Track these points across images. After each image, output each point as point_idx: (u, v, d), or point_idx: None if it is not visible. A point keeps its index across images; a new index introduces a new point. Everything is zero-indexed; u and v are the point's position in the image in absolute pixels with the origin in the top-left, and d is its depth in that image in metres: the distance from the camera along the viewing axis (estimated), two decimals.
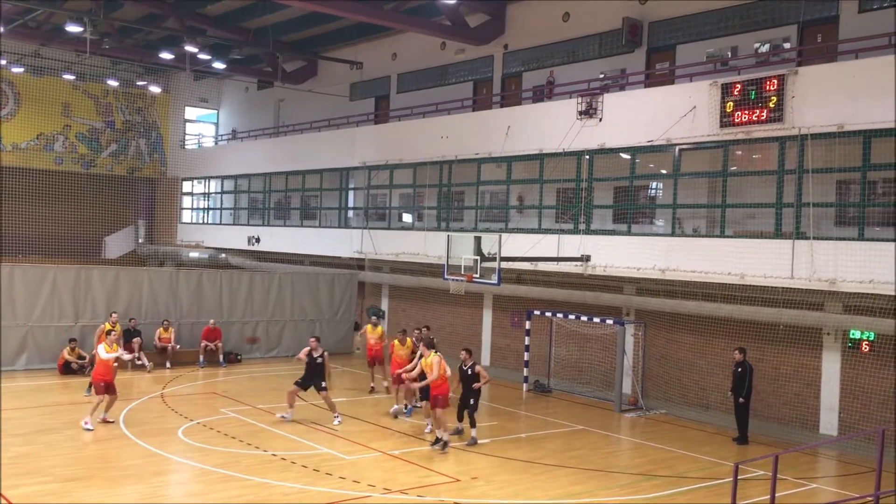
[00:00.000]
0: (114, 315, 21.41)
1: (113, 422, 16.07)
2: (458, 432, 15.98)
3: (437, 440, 15.22)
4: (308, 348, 17.29)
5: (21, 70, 36.04)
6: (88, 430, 15.38)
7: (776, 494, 10.98)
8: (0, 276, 21.27)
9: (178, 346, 23.46)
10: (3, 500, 11.22)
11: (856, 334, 17.11)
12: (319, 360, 17.21)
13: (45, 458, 13.63)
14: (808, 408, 17.88)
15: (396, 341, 18.97)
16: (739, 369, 17.07)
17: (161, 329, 23.13)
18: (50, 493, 11.76)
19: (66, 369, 21.27)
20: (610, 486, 13.46)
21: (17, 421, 15.96)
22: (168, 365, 22.76)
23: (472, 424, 15.90)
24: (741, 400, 16.89)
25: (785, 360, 18.19)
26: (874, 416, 16.63)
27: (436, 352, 15.77)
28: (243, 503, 11.81)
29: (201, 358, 23.67)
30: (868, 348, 16.97)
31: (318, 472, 13.36)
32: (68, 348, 21.39)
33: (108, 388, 16.01)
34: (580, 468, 14.42)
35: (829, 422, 17.54)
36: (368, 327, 21.07)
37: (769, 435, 17.49)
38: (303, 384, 17.24)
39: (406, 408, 18.20)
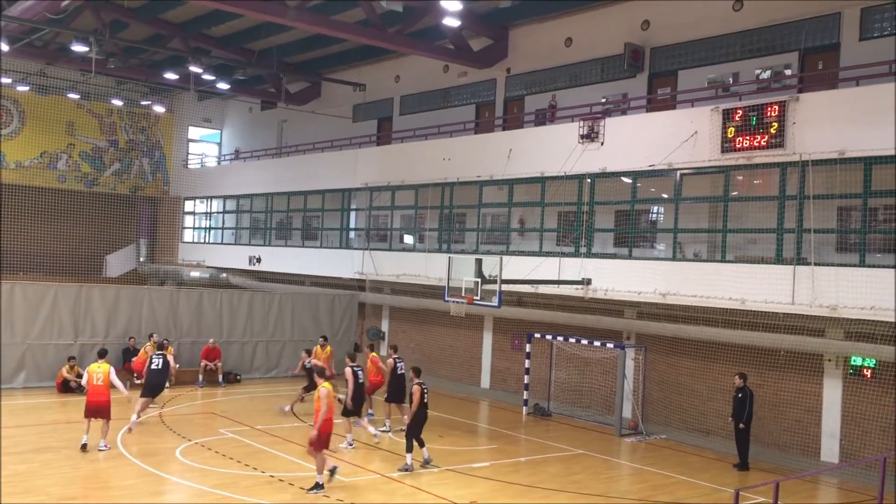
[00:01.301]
0: (154, 336, 22.14)
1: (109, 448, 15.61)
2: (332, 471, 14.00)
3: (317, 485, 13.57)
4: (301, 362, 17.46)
5: (26, 88, 36.29)
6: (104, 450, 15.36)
7: None
8: (0, 294, 21.26)
9: (178, 366, 23.38)
10: None
11: (857, 361, 17.06)
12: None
13: (43, 477, 13.56)
14: (808, 434, 17.79)
15: (318, 346, 21.29)
16: (740, 395, 17.02)
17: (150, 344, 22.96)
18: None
19: (65, 387, 21.21)
20: None
21: (15, 439, 15.89)
22: (167, 384, 22.65)
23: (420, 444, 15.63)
24: (741, 426, 16.84)
25: (786, 385, 18.12)
26: (875, 443, 16.54)
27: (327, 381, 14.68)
28: None
29: (200, 377, 23.61)
30: (870, 375, 16.92)
31: (316, 495, 13.27)
32: (67, 366, 21.34)
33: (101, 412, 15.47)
34: (580, 493, 14.33)
35: (830, 449, 17.44)
36: (317, 348, 21.54)
37: (770, 461, 17.40)
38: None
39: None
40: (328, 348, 21.59)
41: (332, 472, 13.76)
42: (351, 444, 16.81)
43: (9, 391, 20.73)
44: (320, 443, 13.66)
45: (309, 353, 21.01)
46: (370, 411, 19.52)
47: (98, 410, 15.40)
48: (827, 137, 15.96)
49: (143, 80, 36.39)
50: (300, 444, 16.66)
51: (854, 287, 15.31)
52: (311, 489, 13.35)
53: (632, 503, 14.01)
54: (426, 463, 15.42)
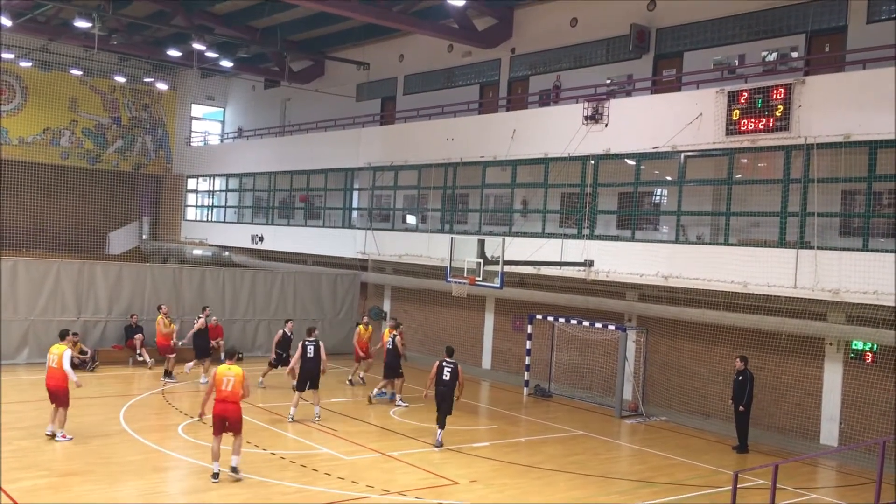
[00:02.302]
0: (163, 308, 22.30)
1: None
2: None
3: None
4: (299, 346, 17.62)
5: (29, 65, 36.18)
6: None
7: None
8: (0, 270, 21.27)
9: (181, 343, 23.43)
10: (3, 494, 11.23)
11: (858, 345, 17.07)
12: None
13: (45, 453, 13.65)
14: (808, 418, 17.84)
15: (361, 326, 21.94)
16: (740, 378, 17.05)
17: (161, 316, 22.84)
18: (49, 487, 11.78)
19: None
20: (608, 493, 13.45)
21: (18, 415, 15.97)
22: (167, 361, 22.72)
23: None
24: (741, 408, 16.89)
25: (787, 369, 18.16)
26: (875, 427, 16.59)
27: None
28: (241, 502, 11.80)
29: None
30: (870, 359, 16.94)
31: (317, 472, 13.36)
32: (70, 342, 21.33)
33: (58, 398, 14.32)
34: (579, 473, 14.41)
35: (829, 432, 17.50)
36: (361, 327, 21.99)
37: (769, 444, 17.47)
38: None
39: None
40: (370, 328, 22.10)
41: (217, 475, 12.65)
42: (317, 418, 17.19)
43: (11, 367, 20.82)
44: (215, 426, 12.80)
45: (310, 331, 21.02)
46: (385, 391, 19.85)
47: (53, 395, 14.34)
48: (832, 121, 15.88)
49: (146, 56, 36.27)
50: (300, 422, 16.74)
51: (857, 271, 15.28)
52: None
53: (631, 484, 14.09)
54: (437, 445, 15.55)
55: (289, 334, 20.87)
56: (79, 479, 12.31)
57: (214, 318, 24.22)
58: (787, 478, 14.32)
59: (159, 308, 22.19)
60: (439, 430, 15.68)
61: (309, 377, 17.20)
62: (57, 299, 22.20)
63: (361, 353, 21.80)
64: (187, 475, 13.32)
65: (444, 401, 15.75)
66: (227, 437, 12.85)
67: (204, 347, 21.09)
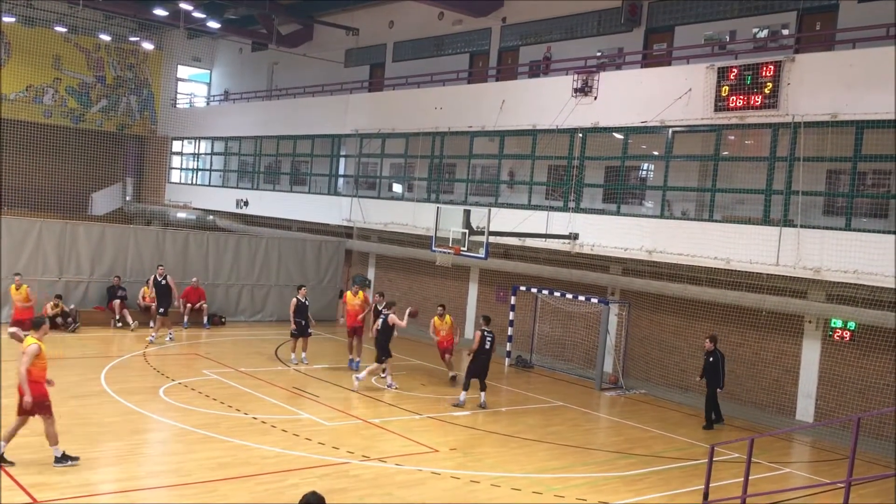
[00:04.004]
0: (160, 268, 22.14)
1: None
2: None
3: None
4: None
5: (12, 20, 35.54)
6: None
7: (749, 477, 11.11)
8: None
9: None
10: None
11: (837, 323, 17.25)
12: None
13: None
14: (785, 394, 18.06)
15: (349, 293, 20.46)
16: (711, 359, 16.88)
17: (145, 288, 23.02)
18: (27, 446, 11.74)
19: (50, 324, 21.10)
20: (586, 463, 13.60)
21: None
22: (152, 324, 22.69)
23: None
24: (719, 390, 16.81)
25: (766, 345, 18.34)
26: (850, 404, 16.83)
27: None
28: (221, 464, 11.85)
29: (185, 318, 23.63)
30: (848, 337, 17.13)
31: (298, 437, 13.43)
32: (52, 303, 21.26)
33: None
34: (557, 444, 14.55)
35: (805, 409, 17.73)
36: (349, 294, 20.44)
37: (746, 419, 17.68)
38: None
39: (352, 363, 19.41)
40: (361, 294, 20.25)
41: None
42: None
43: None
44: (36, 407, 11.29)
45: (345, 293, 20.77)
46: (355, 359, 19.55)
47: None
48: (820, 100, 15.89)
49: (132, 15, 35.62)
50: (283, 388, 16.79)
51: (838, 250, 15.40)
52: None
53: (609, 455, 14.25)
54: (482, 406, 16.70)
55: (303, 301, 20.01)
56: (59, 439, 12.27)
57: (195, 279, 24.16)
58: (762, 452, 14.54)
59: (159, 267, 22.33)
60: (482, 393, 16.87)
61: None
62: (39, 259, 22.04)
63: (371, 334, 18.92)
64: (167, 437, 13.35)
65: (486, 367, 17.01)
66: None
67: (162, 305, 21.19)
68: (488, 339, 16.96)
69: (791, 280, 16.73)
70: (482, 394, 16.86)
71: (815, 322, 17.50)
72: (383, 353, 17.66)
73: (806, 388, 17.76)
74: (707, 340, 17.18)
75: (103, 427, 13.22)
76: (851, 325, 16.95)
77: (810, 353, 17.69)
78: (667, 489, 12.43)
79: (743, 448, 13.28)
